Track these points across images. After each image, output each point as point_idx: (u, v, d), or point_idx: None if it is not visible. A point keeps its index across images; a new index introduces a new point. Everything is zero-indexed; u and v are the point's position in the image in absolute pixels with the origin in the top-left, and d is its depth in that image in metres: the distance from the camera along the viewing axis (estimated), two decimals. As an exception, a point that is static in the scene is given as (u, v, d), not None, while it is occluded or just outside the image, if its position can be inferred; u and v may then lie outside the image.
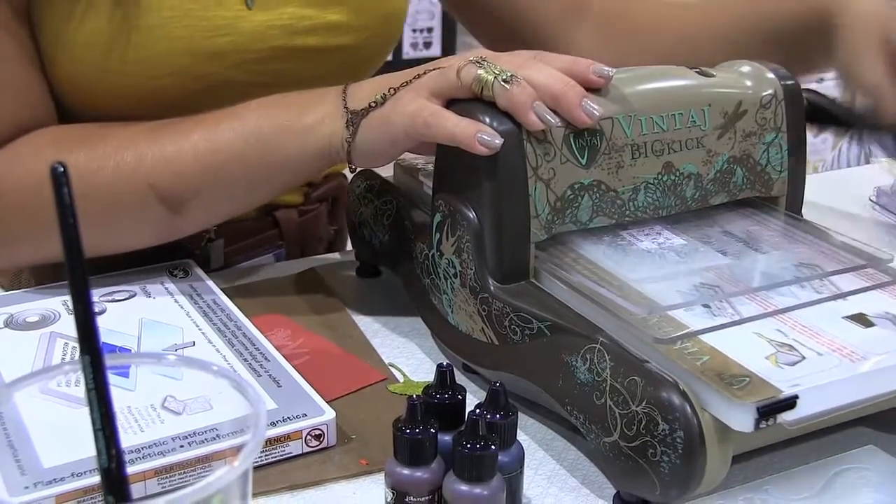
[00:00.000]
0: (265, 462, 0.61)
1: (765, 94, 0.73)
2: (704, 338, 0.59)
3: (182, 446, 0.58)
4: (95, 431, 0.39)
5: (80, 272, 0.38)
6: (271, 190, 0.78)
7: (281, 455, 0.61)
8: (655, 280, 0.65)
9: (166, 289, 0.78)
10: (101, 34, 0.78)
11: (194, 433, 0.59)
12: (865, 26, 0.87)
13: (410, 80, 0.70)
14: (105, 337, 0.69)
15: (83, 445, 0.55)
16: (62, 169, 0.37)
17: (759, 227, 0.73)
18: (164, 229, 0.78)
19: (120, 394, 0.42)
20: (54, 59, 0.79)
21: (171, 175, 0.74)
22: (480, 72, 0.66)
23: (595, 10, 1.03)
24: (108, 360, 0.39)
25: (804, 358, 0.57)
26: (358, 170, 0.79)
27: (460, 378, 0.59)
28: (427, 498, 0.55)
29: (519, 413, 0.57)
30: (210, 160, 0.74)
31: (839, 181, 1.11)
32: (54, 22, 0.78)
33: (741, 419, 0.53)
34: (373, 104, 0.71)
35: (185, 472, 0.57)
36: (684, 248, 0.69)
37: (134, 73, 0.80)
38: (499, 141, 0.64)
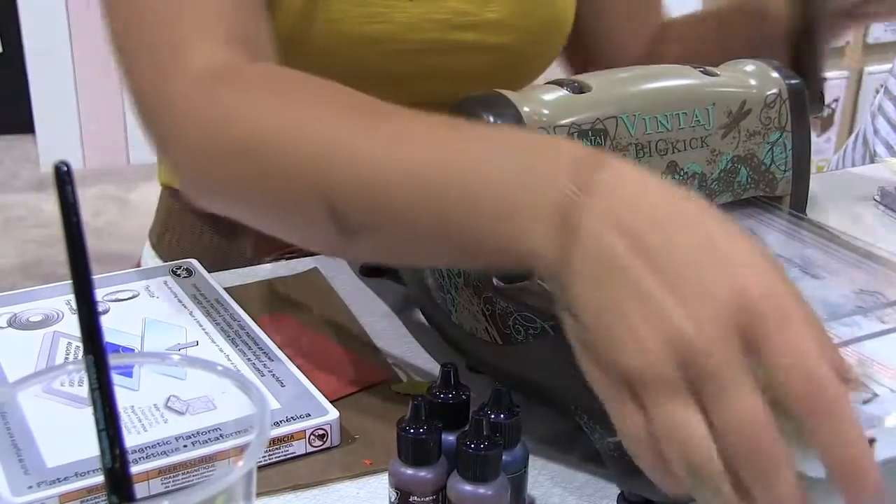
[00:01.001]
0: (269, 462, 0.61)
1: (769, 93, 0.72)
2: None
3: (185, 446, 0.58)
4: (99, 431, 0.39)
5: (84, 271, 0.38)
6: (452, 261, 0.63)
7: (284, 455, 0.61)
8: None
9: (170, 288, 0.78)
10: (296, 7, 0.80)
11: (198, 433, 0.59)
12: None
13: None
14: (108, 336, 0.69)
15: (87, 445, 0.55)
16: (66, 168, 0.37)
17: (812, 250, 0.70)
18: (333, 245, 0.65)
19: (123, 393, 0.42)
20: None
21: (350, 200, 0.59)
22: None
23: (673, 57, 0.97)
24: (112, 360, 0.39)
25: (877, 395, 0.54)
26: None
27: (464, 377, 0.59)
28: (431, 498, 0.55)
29: (523, 413, 0.57)
30: (380, 197, 0.57)
31: (843, 181, 1.10)
32: None
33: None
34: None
35: (188, 472, 0.57)
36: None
37: (296, 50, 0.81)
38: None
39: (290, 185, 0.61)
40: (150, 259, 1.03)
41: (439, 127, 0.57)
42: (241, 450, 0.39)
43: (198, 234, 0.99)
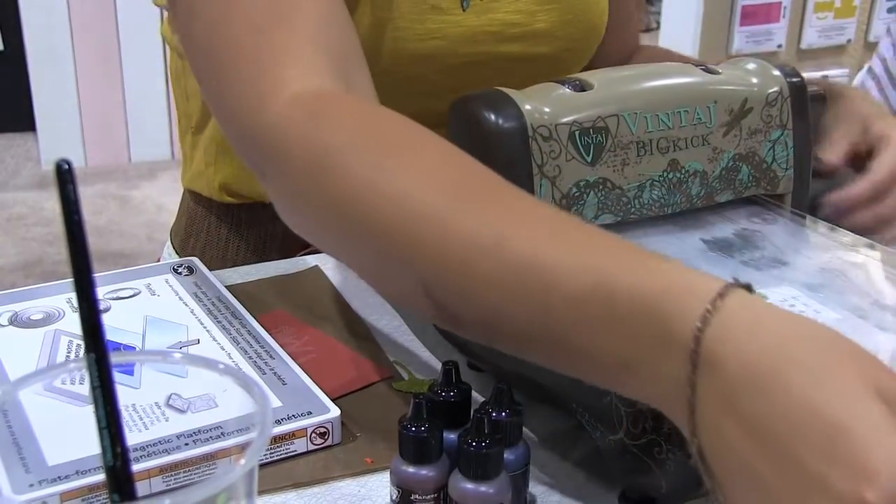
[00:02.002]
0: (270, 460, 0.61)
1: (770, 91, 0.72)
2: None
3: (187, 444, 0.58)
4: (101, 429, 0.39)
5: (85, 270, 0.38)
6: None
7: (286, 453, 0.61)
8: None
9: (171, 286, 0.78)
10: (362, 24, 0.80)
11: (199, 431, 0.59)
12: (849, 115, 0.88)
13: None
14: (109, 335, 0.69)
15: (88, 443, 0.55)
16: (67, 166, 0.37)
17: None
18: (438, 321, 0.59)
19: (124, 392, 0.41)
20: None
21: (443, 287, 0.54)
22: None
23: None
24: (114, 358, 0.39)
25: None
26: None
27: (465, 376, 0.59)
28: (433, 496, 0.55)
29: (524, 411, 0.57)
30: (479, 301, 0.53)
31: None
32: None
33: None
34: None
35: (189, 470, 0.57)
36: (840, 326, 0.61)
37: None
38: None
39: (385, 256, 0.57)
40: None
41: (555, 236, 0.51)
42: (242, 448, 0.39)
43: (223, 244, 0.99)
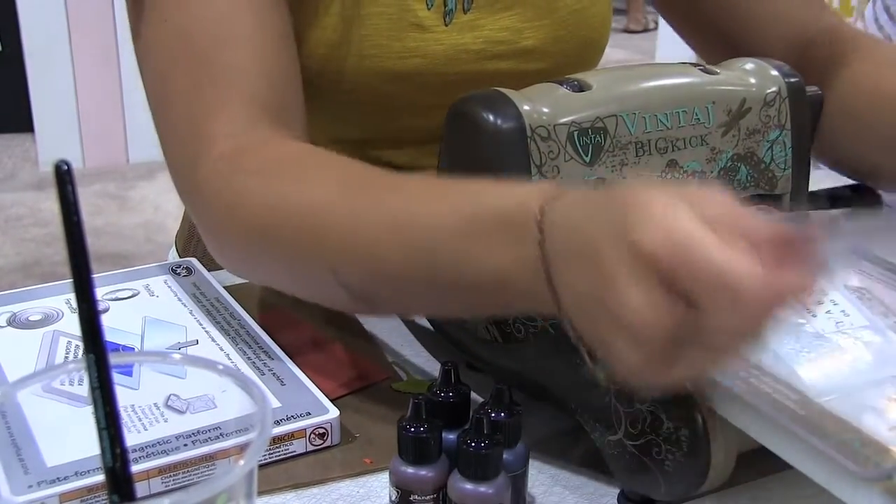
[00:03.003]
0: (269, 461, 0.61)
1: (769, 91, 0.72)
2: None
3: (186, 445, 0.58)
4: (100, 430, 0.39)
5: (84, 270, 0.38)
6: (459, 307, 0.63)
7: (285, 454, 0.61)
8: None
9: (169, 287, 0.78)
10: (323, 44, 0.80)
11: (198, 432, 0.59)
12: None
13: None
14: (108, 335, 0.69)
15: (87, 444, 0.55)
16: (66, 167, 0.37)
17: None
18: (353, 308, 0.71)
19: (123, 392, 0.42)
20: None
21: (350, 268, 0.63)
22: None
23: (820, 62, 0.92)
24: (113, 359, 0.39)
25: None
26: None
27: (464, 376, 0.59)
28: (432, 496, 0.55)
29: (523, 411, 0.57)
30: (381, 269, 0.61)
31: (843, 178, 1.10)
32: (298, 19, 0.78)
33: None
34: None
35: (188, 471, 0.57)
36: (867, 332, 0.58)
37: (331, 83, 0.82)
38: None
39: (298, 262, 0.65)
40: None
41: (423, 190, 0.60)
42: (241, 449, 0.39)
43: None
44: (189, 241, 1.02)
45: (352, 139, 0.87)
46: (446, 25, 0.83)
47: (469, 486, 0.53)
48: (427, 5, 0.82)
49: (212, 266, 0.84)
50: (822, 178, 1.07)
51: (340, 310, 0.72)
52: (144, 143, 3.66)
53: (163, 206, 3.32)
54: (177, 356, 0.47)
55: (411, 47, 0.82)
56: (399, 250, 0.59)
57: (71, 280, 0.38)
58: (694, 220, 0.45)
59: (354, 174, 0.66)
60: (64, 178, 0.37)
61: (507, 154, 0.64)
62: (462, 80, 0.84)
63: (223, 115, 0.70)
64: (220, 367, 0.43)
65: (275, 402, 0.63)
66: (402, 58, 0.82)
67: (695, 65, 0.73)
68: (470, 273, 0.56)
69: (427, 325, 0.75)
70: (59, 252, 2.88)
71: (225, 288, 0.79)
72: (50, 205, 3.30)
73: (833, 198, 0.88)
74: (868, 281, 0.66)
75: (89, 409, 0.39)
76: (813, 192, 0.83)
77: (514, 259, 0.53)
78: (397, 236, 0.59)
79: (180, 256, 1.03)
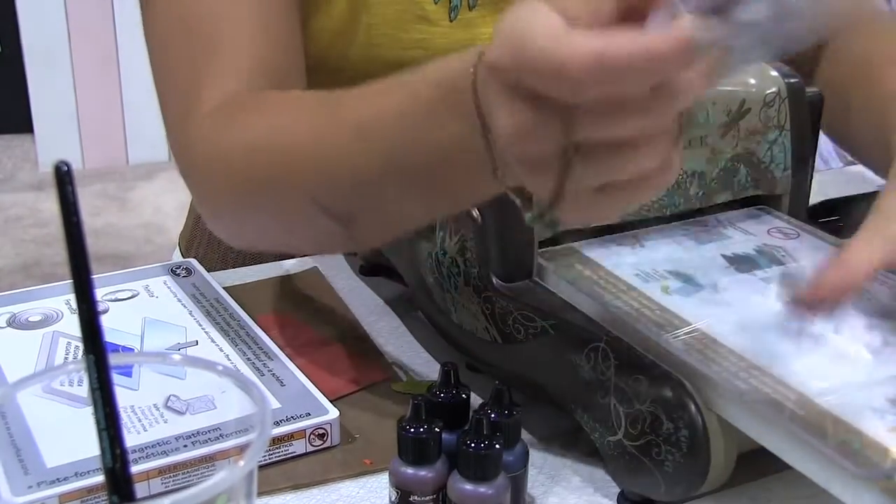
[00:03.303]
0: (269, 461, 0.61)
1: (768, 92, 0.72)
2: None
3: (185, 446, 0.58)
4: (100, 431, 0.39)
5: (83, 271, 0.38)
6: (436, 200, 0.61)
7: (284, 454, 0.61)
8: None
9: (169, 288, 0.78)
10: (328, 30, 0.81)
11: (198, 432, 0.59)
12: None
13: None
14: (108, 336, 0.69)
15: (86, 445, 0.55)
16: (66, 168, 0.37)
17: None
18: (342, 241, 0.69)
19: (123, 393, 0.42)
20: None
21: (325, 188, 0.62)
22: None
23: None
24: (113, 360, 0.39)
25: None
26: None
27: (464, 377, 0.59)
28: (431, 497, 0.55)
29: (522, 412, 0.57)
30: (350, 177, 0.60)
31: (846, 178, 1.10)
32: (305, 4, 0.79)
33: None
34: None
35: (188, 472, 0.57)
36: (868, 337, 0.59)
37: (336, 71, 0.81)
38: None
39: (283, 195, 0.64)
40: None
41: (376, 92, 0.60)
42: (241, 449, 0.39)
43: (224, 245, 0.99)
44: (192, 241, 1.03)
45: None
46: (451, 21, 0.84)
47: (469, 486, 0.53)
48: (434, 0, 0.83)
49: (212, 267, 0.84)
50: (823, 179, 1.07)
51: (332, 249, 0.74)
52: (144, 144, 3.66)
53: (162, 208, 3.32)
54: (176, 357, 0.47)
55: (416, 39, 0.83)
56: (361, 153, 0.59)
57: (71, 281, 0.38)
58: (530, 18, 0.44)
59: (312, 98, 0.67)
60: (64, 178, 0.37)
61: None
62: None
63: (217, 83, 0.71)
64: (220, 367, 0.43)
65: (274, 403, 0.63)
66: (406, 49, 0.83)
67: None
68: (423, 151, 0.55)
69: (427, 325, 0.75)
70: (58, 253, 2.87)
71: (225, 289, 0.79)
72: (50, 205, 3.30)
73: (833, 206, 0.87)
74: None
75: (89, 409, 0.39)
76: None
77: (460, 126, 0.52)
78: (358, 142, 0.59)
79: (184, 257, 1.03)
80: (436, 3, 0.83)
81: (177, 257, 1.04)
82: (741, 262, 0.67)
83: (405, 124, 0.56)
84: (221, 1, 0.73)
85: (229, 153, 0.67)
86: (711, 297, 0.63)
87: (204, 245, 1.01)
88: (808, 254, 0.69)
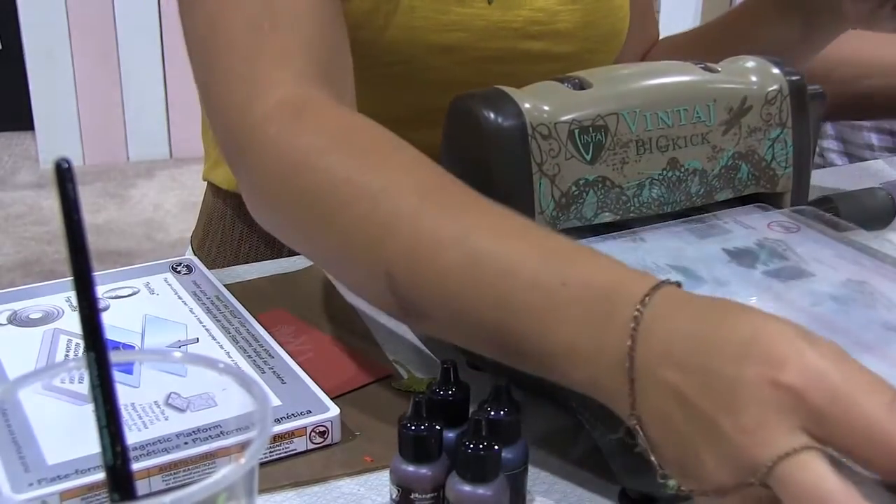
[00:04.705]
0: (269, 459, 0.61)
1: (770, 89, 0.72)
2: None
3: (186, 443, 0.58)
4: (100, 428, 0.39)
5: (84, 268, 0.38)
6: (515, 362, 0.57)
7: (285, 452, 0.61)
8: None
9: (170, 285, 0.78)
10: (362, 13, 0.81)
11: (198, 430, 0.58)
12: None
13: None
14: (108, 333, 0.69)
15: (87, 442, 0.55)
16: (67, 165, 0.37)
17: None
18: (393, 312, 0.64)
19: (124, 391, 0.41)
20: None
21: (408, 280, 0.58)
22: None
23: None
24: (113, 357, 0.39)
25: None
26: None
27: (464, 374, 0.59)
28: (432, 495, 0.54)
29: (523, 409, 0.57)
30: (442, 294, 0.57)
31: (847, 175, 1.10)
32: None
33: None
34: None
35: (189, 469, 0.57)
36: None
37: (371, 56, 0.83)
38: None
39: (354, 248, 0.61)
40: None
41: (517, 234, 0.56)
42: (242, 447, 0.39)
43: (237, 241, 0.99)
44: (204, 240, 1.03)
45: (386, 118, 0.89)
46: (489, 3, 0.86)
47: (467, 487, 0.53)
48: None
49: (227, 262, 0.84)
50: (823, 177, 1.07)
51: (377, 307, 0.68)
52: (144, 141, 3.66)
53: (163, 205, 3.32)
54: (178, 354, 0.47)
55: (455, 21, 0.85)
56: (468, 285, 0.55)
57: (71, 278, 0.38)
58: (842, 367, 0.43)
59: (432, 176, 0.61)
60: (64, 175, 0.37)
61: (509, 152, 0.64)
62: (498, 58, 0.88)
63: (282, 60, 0.67)
64: (221, 365, 0.43)
65: (275, 401, 0.63)
66: (447, 30, 0.85)
67: (696, 63, 0.73)
68: (538, 339, 0.52)
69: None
70: (58, 250, 2.88)
71: (225, 286, 0.79)
72: (50, 203, 3.30)
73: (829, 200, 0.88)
74: (867, 273, 0.66)
75: (89, 407, 0.38)
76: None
77: (596, 343, 0.49)
78: (471, 270, 0.55)
79: (196, 254, 1.04)
80: None
81: (189, 255, 1.05)
82: (742, 256, 0.67)
83: (529, 293, 0.52)
84: None
85: (315, 171, 0.62)
86: (713, 290, 0.63)
87: (216, 245, 1.01)
88: (808, 247, 0.69)
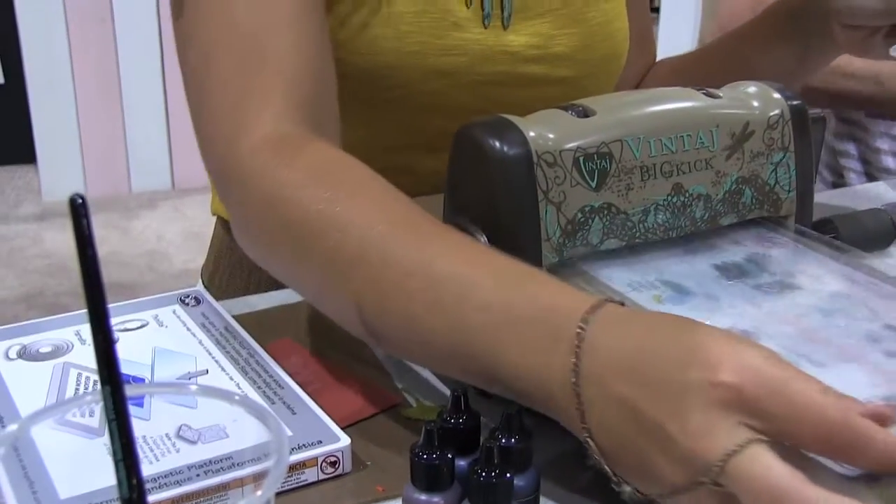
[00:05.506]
0: (281, 490, 0.61)
1: (772, 114, 0.73)
2: None
3: (198, 475, 0.58)
4: (116, 462, 0.39)
5: (99, 302, 0.38)
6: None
7: (297, 483, 0.61)
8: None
9: (178, 317, 0.78)
10: (348, 37, 0.83)
11: (210, 462, 0.59)
12: None
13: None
14: (118, 366, 0.69)
15: (99, 476, 0.55)
16: (81, 200, 0.37)
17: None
18: (362, 335, 0.67)
19: (135, 424, 0.42)
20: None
21: (374, 309, 0.62)
22: None
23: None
24: (129, 391, 0.39)
25: None
26: None
27: (474, 402, 0.59)
28: (444, 523, 0.55)
29: (533, 436, 0.57)
30: (406, 320, 0.61)
31: (847, 197, 1.11)
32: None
33: None
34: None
35: (201, 501, 0.57)
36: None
37: (365, 80, 0.84)
38: None
39: (327, 276, 0.64)
40: None
41: (477, 260, 0.59)
42: (255, 478, 0.39)
43: (247, 273, 1.00)
44: (214, 273, 1.03)
45: (387, 144, 0.90)
46: (485, 28, 0.87)
47: (482, 513, 0.53)
48: (466, 4, 0.87)
49: (237, 294, 0.85)
50: (827, 200, 1.08)
51: (352, 333, 0.71)
52: (147, 172, 3.67)
53: (165, 236, 3.32)
54: (193, 387, 0.47)
55: (452, 45, 0.86)
56: (430, 310, 0.58)
57: (79, 311, 0.38)
58: (775, 363, 0.47)
59: (401, 207, 0.65)
60: (79, 211, 0.37)
61: (515, 180, 0.64)
62: (496, 82, 0.89)
63: (267, 100, 0.71)
64: (237, 397, 0.43)
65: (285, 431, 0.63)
66: (443, 55, 0.86)
67: (698, 89, 0.73)
68: (493, 359, 0.56)
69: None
70: (62, 283, 2.88)
71: (234, 317, 0.79)
72: (53, 235, 3.31)
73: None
74: (852, 286, 0.67)
75: (101, 440, 0.39)
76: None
77: (544, 360, 0.53)
78: (432, 295, 0.58)
79: (206, 288, 1.04)
80: (468, 8, 0.86)
81: (200, 289, 1.05)
82: (731, 271, 0.69)
83: (485, 316, 0.56)
84: (268, 13, 0.73)
85: (293, 205, 0.66)
86: (703, 304, 0.64)
87: (227, 277, 1.02)
88: (796, 261, 0.70)
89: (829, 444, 0.45)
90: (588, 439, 0.52)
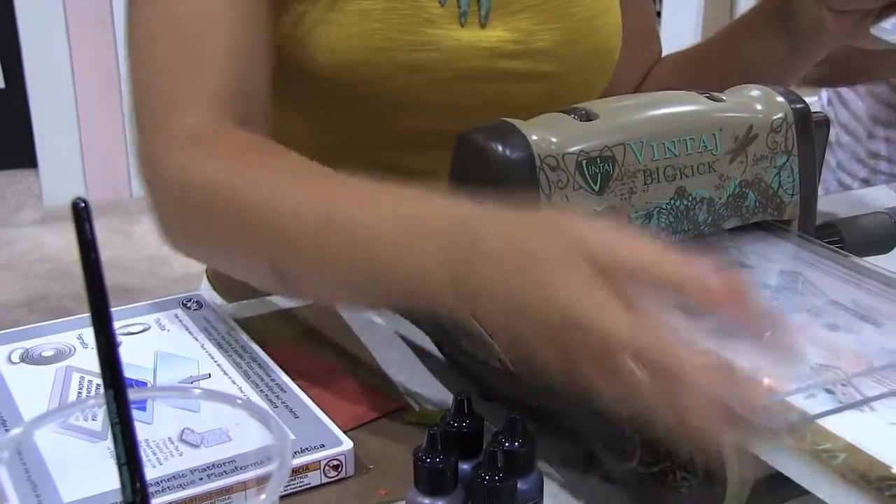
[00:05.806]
0: (284, 493, 0.61)
1: (775, 117, 0.73)
2: (838, 432, 0.52)
3: (201, 479, 0.58)
4: (120, 466, 0.39)
5: (102, 306, 0.38)
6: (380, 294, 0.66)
7: (300, 486, 0.61)
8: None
9: (180, 321, 0.78)
10: (308, 34, 0.83)
11: (213, 465, 0.59)
12: None
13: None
14: (121, 370, 0.69)
15: (102, 479, 0.55)
16: (83, 204, 0.37)
17: (866, 295, 0.67)
18: (273, 287, 0.75)
19: (138, 427, 0.42)
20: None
21: (283, 254, 0.67)
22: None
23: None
24: (132, 395, 0.39)
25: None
26: None
27: (477, 405, 0.59)
28: (448, 527, 0.55)
29: (536, 440, 0.57)
30: (316, 262, 0.65)
31: (850, 202, 1.11)
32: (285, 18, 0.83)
33: None
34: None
35: (204, 505, 0.57)
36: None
37: (331, 78, 0.84)
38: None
39: (241, 244, 0.70)
40: (208, 297, 1.04)
41: (373, 197, 0.64)
42: (257, 481, 0.39)
43: None
44: (217, 272, 1.03)
45: (361, 141, 0.89)
46: (462, 26, 0.86)
47: (485, 517, 0.53)
48: (440, 3, 0.85)
49: (239, 297, 0.84)
50: (829, 204, 1.08)
51: (270, 291, 0.79)
52: (148, 176, 3.67)
53: (167, 240, 3.32)
54: (196, 391, 0.47)
55: (425, 41, 0.85)
56: (331, 243, 0.63)
57: (81, 315, 0.38)
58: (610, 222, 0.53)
59: (299, 166, 0.69)
60: (81, 215, 0.37)
61: (517, 184, 0.64)
62: (474, 77, 0.87)
63: (193, 96, 0.74)
64: (240, 401, 0.43)
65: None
66: (416, 50, 0.84)
67: (701, 92, 0.73)
68: (391, 270, 0.60)
69: (438, 355, 0.75)
70: (64, 287, 2.88)
71: (236, 321, 0.79)
72: (54, 240, 3.31)
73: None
74: (802, 265, 0.69)
75: (104, 444, 0.39)
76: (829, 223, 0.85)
77: (438, 260, 0.57)
78: (329, 226, 0.63)
79: (210, 283, 1.04)
80: (443, 6, 0.85)
81: (205, 288, 1.05)
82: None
83: (387, 238, 0.61)
84: (206, 14, 0.76)
85: (197, 183, 0.70)
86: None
87: (233, 279, 1.02)
88: (752, 244, 0.73)
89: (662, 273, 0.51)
90: (475, 322, 0.59)
